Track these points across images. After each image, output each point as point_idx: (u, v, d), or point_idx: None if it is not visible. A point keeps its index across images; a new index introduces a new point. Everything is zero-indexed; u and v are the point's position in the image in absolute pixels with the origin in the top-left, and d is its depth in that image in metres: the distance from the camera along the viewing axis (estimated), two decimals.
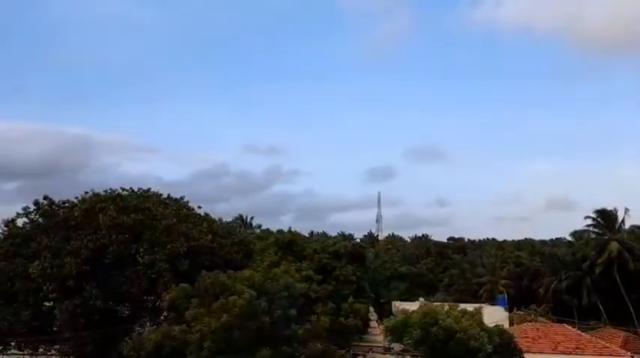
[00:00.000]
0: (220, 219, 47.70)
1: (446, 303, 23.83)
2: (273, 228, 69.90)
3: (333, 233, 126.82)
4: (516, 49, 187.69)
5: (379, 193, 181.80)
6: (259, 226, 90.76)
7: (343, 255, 48.98)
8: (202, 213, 36.86)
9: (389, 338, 26.76)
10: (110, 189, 34.13)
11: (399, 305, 50.12)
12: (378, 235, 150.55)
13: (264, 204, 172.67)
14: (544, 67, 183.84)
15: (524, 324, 40.40)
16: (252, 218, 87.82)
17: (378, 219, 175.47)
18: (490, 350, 21.69)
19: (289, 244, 46.50)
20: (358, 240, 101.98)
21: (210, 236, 33.82)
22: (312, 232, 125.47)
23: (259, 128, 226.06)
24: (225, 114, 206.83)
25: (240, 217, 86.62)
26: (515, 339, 28.14)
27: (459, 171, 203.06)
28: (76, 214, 32.25)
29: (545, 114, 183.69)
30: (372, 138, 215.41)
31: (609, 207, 69.04)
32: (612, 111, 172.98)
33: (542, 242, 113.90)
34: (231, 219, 67.15)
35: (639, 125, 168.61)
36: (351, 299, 44.07)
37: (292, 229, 53.91)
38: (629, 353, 35.02)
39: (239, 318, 24.91)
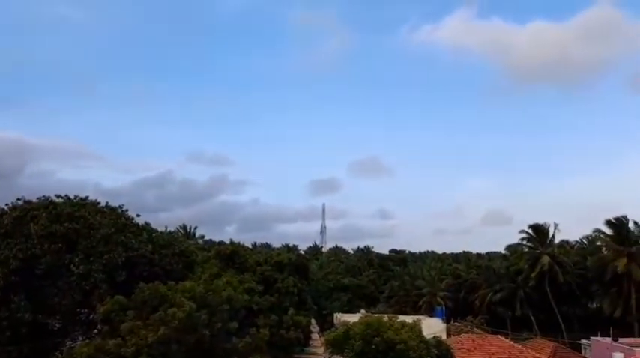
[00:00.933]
0: (166, 229, 46.58)
1: (386, 315, 24.15)
2: (217, 239, 69.01)
3: (277, 244, 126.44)
4: (454, 71, 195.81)
5: (324, 205, 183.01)
6: (202, 236, 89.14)
7: (286, 266, 48.78)
8: (142, 223, 35.83)
9: (330, 350, 26.80)
10: (44, 196, 32.60)
11: (340, 317, 50.30)
12: (322, 247, 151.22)
13: (208, 213, 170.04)
14: (480, 88, 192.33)
15: (461, 335, 41.52)
16: (195, 228, 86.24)
17: (323, 231, 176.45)
18: None
19: (231, 256, 45.86)
20: (302, 252, 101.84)
21: (150, 246, 32.89)
22: (255, 243, 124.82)
23: (204, 137, 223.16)
24: (169, 122, 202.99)
25: (184, 227, 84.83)
26: (452, 350, 28.89)
27: (401, 185, 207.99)
28: (5, 222, 30.61)
29: (484, 132, 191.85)
30: (318, 151, 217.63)
31: (542, 222, 72.48)
32: (543, 132, 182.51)
33: (479, 255, 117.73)
34: (174, 229, 65.60)
35: (567, 145, 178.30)
36: (292, 311, 43.87)
37: (235, 240, 53.24)
38: None
39: (178, 331, 24.30)
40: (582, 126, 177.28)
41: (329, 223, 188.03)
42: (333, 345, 24.19)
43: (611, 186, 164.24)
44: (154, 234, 35.81)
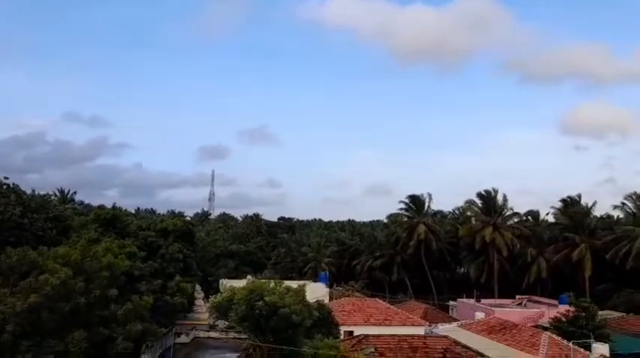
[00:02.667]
0: (34, 191, 43.10)
1: (272, 280, 24.59)
2: (97, 204, 65.19)
3: (162, 210, 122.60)
4: (341, 46, 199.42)
5: (213, 171, 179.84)
6: (81, 202, 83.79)
7: (171, 232, 47.62)
8: (10, 184, 32.92)
9: (214, 315, 26.81)
10: None
11: (226, 283, 50.28)
12: (210, 213, 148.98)
13: (85, 177, 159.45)
14: (365, 65, 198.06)
15: (342, 299, 43.37)
16: (74, 192, 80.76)
17: (211, 198, 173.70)
18: (310, 324, 22.94)
19: (112, 220, 43.74)
20: (189, 218, 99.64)
21: (18, 209, 30.37)
22: (138, 209, 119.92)
23: (82, 97, 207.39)
24: (43, 78, 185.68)
25: (61, 191, 79.03)
26: (333, 313, 30.22)
27: (290, 154, 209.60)
28: None
29: (370, 107, 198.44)
30: (206, 117, 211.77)
31: (419, 194, 77.24)
32: (424, 110, 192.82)
33: (363, 223, 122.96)
34: (49, 193, 60.81)
35: (445, 122, 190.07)
36: (177, 278, 43.14)
37: (117, 205, 50.72)
38: (427, 322, 39.74)
39: (50, 299, 22.92)
40: (458, 105, 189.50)
41: (218, 190, 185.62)
42: (218, 310, 24.23)
43: (483, 161, 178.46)
44: (24, 197, 33.10)
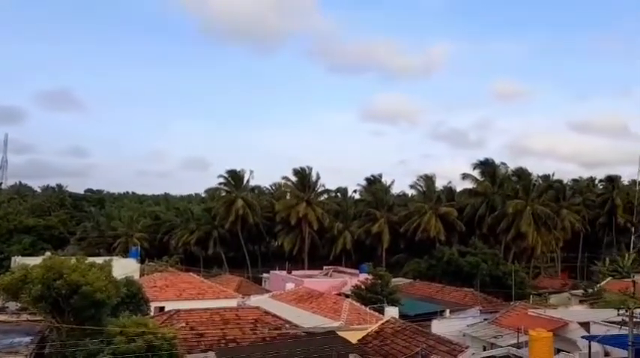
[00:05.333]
0: None
1: (74, 257, 22.67)
2: None
3: None
4: (157, 16, 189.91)
5: (6, 135, 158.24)
6: None
7: None
8: None
9: (3, 296, 23.89)
10: None
11: (19, 261, 45.02)
12: (1, 183, 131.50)
13: None
14: (185, 35, 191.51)
15: (155, 275, 41.95)
16: None
17: (3, 166, 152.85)
18: (117, 302, 21.80)
19: None
20: None
21: None
22: None
23: None
24: None
25: None
26: (143, 289, 29.08)
27: (99, 122, 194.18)
28: None
29: (187, 79, 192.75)
30: None
31: (239, 169, 77.79)
32: (243, 86, 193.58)
33: (181, 197, 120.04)
34: None
35: (265, 100, 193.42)
36: None
37: None
38: (240, 295, 40.53)
39: None
40: (273, 85, 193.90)
41: (11, 157, 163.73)
42: (8, 291, 21.60)
43: (299, 139, 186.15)
44: None
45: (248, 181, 78.36)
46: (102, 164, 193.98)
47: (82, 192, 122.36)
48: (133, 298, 26.45)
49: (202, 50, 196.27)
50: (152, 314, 27.94)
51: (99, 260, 24.07)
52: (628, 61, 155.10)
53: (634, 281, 37.40)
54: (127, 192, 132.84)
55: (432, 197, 72.44)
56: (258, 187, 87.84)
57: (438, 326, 31.09)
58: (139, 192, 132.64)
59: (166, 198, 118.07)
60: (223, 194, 77.87)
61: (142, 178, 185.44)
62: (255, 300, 36.55)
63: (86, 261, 21.85)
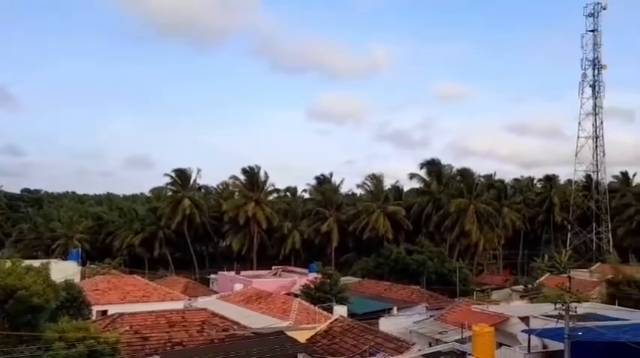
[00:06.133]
0: None
1: (8, 260, 21.58)
2: None
3: None
4: (97, 8, 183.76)
5: None
6: None
7: None
8: None
9: None
10: None
11: None
12: None
13: None
14: (126, 30, 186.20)
15: (96, 277, 40.54)
16: None
17: None
18: (55, 306, 20.93)
19: None
20: None
21: None
22: None
23: None
24: None
25: None
26: (84, 293, 28.04)
27: (35, 119, 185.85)
28: None
29: (129, 75, 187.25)
30: None
31: (186, 167, 76.22)
32: (185, 83, 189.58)
33: (124, 197, 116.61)
34: None
35: (211, 98, 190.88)
36: None
37: None
38: (187, 296, 39.76)
39: None
40: (219, 82, 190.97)
41: None
42: None
43: (247, 138, 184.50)
44: None
45: (195, 180, 77.04)
46: (39, 163, 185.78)
47: (18, 192, 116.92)
48: (73, 302, 25.53)
49: (143, 46, 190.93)
50: (94, 318, 26.97)
51: (36, 263, 23.05)
52: (559, 65, 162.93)
53: (570, 277, 39.24)
54: (67, 192, 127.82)
55: (380, 196, 73.49)
56: (205, 186, 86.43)
57: (385, 324, 31.54)
58: (80, 191, 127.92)
59: (109, 197, 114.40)
60: (169, 193, 76.14)
61: (83, 177, 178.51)
62: (203, 302, 35.95)
63: (22, 264, 20.88)
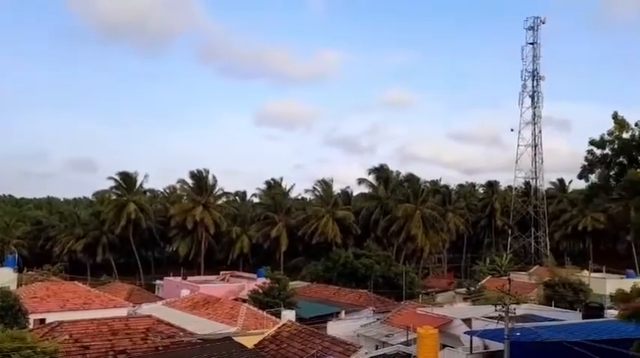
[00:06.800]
0: None
1: None
2: None
3: None
4: (42, 8, 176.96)
5: None
6: None
7: None
8: None
9: None
10: None
11: None
12: None
13: None
14: (72, 29, 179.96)
15: (34, 284, 38.88)
16: None
17: None
18: None
19: None
20: None
21: None
22: None
23: None
24: None
25: None
26: (21, 301, 26.90)
27: None
28: None
29: (74, 75, 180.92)
30: None
31: (132, 171, 74.23)
32: (135, 86, 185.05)
33: (65, 201, 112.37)
34: None
35: (159, 100, 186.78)
36: None
37: None
38: (131, 303, 38.70)
39: None
40: (167, 85, 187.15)
41: None
42: None
43: (196, 141, 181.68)
44: None
45: (141, 184, 75.10)
46: None
47: None
48: (8, 310, 24.56)
49: (89, 49, 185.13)
50: (31, 326, 25.90)
51: None
52: (501, 75, 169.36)
53: (509, 279, 40.71)
54: (4, 195, 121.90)
55: (329, 201, 74.01)
56: (152, 190, 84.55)
57: (333, 328, 31.79)
58: (18, 195, 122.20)
59: (49, 201, 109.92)
60: (114, 197, 73.95)
61: (21, 180, 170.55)
62: (148, 308, 35.11)
63: None
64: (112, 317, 25.96)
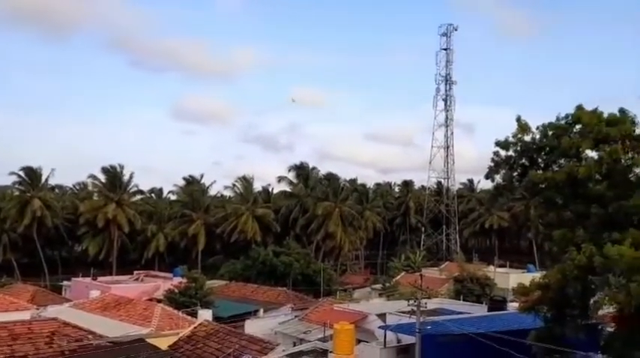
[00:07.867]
0: None
1: None
2: None
3: None
4: None
5: None
6: None
7: None
8: None
9: None
10: None
11: None
12: None
13: None
14: None
15: None
16: None
17: None
18: None
19: None
20: None
21: None
22: None
23: None
24: None
25: None
26: None
27: None
28: None
29: None
30: None
31: (35, 165, 69.55)
32: (35, 76, 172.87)
33: None
34: None
35: (63, 92, 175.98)
36: None
37: None
38: (35, 306, 36.38)
39: None
40: (74, 75, 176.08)
41: None
42: None
43: (108, 136, 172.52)
44: None
45: (47, 180, 70.68)
46: None
47: None
48: None
49: None
50: None
51: None
52: (417, 78, 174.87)
53: (421, 275, 42.42)
54: None
55: (249, 198, 73.46)
56: (60, 186, 79.86)
57: (251, 326, 31.61)
58: None
59: None
60: (16, 193, 69.11)
61: None
62: (53, 311, 33.15)
63: None
64: (12, 321, 24.28)
